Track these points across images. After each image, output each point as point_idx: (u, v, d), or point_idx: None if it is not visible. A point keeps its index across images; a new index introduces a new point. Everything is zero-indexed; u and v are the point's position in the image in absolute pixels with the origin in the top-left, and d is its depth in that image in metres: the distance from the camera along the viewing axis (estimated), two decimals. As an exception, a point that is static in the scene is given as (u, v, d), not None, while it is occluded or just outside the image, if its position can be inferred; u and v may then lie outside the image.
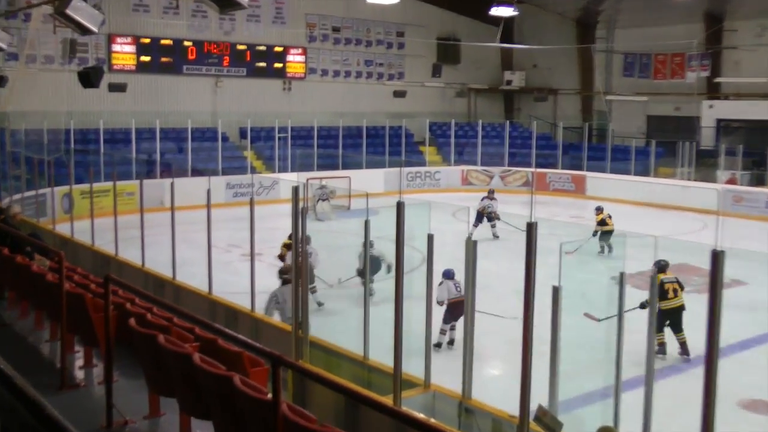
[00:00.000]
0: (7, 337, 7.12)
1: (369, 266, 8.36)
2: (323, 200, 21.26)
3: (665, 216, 22.61)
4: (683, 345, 10.26)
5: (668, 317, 10.21)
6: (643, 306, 8.75)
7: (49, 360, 6.54)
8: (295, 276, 8.01)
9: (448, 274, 10.54)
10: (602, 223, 17.26)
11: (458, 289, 10.34)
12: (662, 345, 10.19)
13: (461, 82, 33.40)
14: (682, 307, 10.26)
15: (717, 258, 4.64)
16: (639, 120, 31.32)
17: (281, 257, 13.43)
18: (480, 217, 19.04)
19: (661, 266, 10.15)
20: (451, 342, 10.62)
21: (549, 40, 30.63)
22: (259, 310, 9.71)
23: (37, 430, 2.21)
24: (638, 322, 6.61)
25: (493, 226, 18.91)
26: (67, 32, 18.13)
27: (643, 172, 27.18)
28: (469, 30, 33.11)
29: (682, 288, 10.38)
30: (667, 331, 10.37)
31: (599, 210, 17.76)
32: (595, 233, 17.00)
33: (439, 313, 8.85)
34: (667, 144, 28.09)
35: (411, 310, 6.94)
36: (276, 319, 10.03)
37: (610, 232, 17.08)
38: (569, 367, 7.46)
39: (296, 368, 4.91)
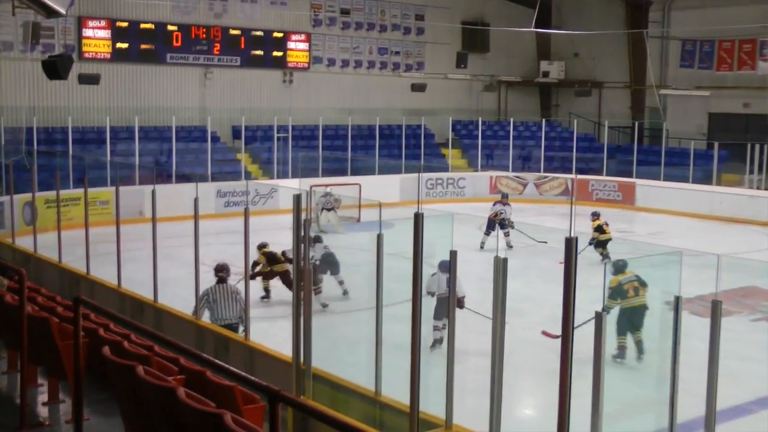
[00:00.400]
0: (-41, 368, 7.16)
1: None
2: (328, 210, 21.35)
3: (730, 230, 22.53)
4: (639, 344, 11.11)
5: (630, 317, 11.13)
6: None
7: (6, 395, 6.59)
8: (297, 297, 8.05)
9: (444, 266, 10.56)
10: (599, 229, 17.65)
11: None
12: (622, 348, 11.09)
13: (490, 73, 33.46)
14: (644, 306, 11.12)
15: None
16: (699, 118, 31.23)
17: (256, 264, 13.94)
18: (492, 224, 19.36)
19: (618, 267, 11.33)
20: (440, 341, 10.95)
21: (593, 25, 30.66)
22: (254, 337, 9.74)
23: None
24: (697, 354, 6.58)
25: (506, 234, 19.20)
26: (30, 14, 18.28)
27: (704, 179, 27.07)
28: (499, 12, 33.22)
29: (644, 285, 11.11)
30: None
31: (595, 216, 18.19)
32: (591, 241, 17.51)
33: (463, 343, 8.87)
34: (733, 146, 27.95)
35: (430, 337, 6.95)
36: (205, 320, 10.70)
37: (607, 241, 17.59)
38: (615, 407, 7.44)
39: (297, 405, 4.92)
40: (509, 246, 18.86)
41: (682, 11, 31.30)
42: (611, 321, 10.81)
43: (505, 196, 20.96)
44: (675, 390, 6.08)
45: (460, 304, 10.56)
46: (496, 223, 19.28)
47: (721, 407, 6.27)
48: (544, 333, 10.74)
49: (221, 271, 11.07)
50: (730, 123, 30.44)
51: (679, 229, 22.39)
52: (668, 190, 26.51)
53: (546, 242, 17.80)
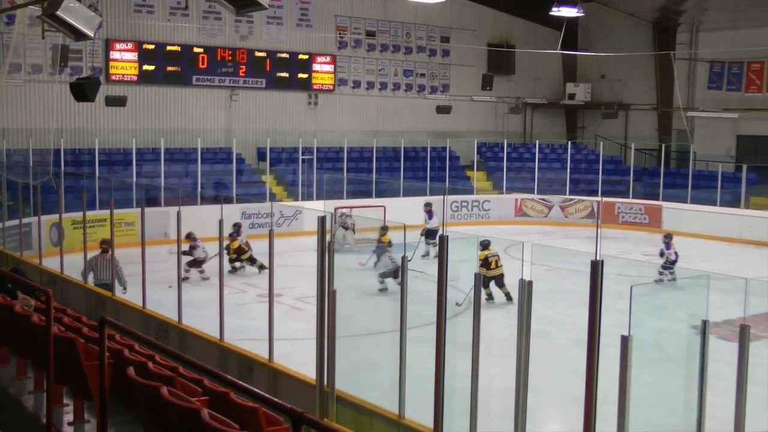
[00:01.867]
0: (-15, 388, 7.24)
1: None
2: (345, 228, 21.44)
3: (759, 254, 22.23)
4: (507, 295, 15.28)
5: (493, 280, 15.56)
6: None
7: (32, 414, 6.64)
8: (320, 321, 8.08)
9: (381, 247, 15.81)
10: (485, 263, 15.53)
11: (393, 260, 16.06)
12: (490, 295, 15.48)
13: (516, 95, 33.50)
14: (502, 275, 15.57)
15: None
16: (727, 141, 31.02)
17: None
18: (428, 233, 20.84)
19: (484, 244, 15.56)
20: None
21: (620, 46, 30.63)
22: (278, 359, 9.76)
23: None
24: (725, 379, 6.52)
25: (435, 245, 19.59)
26: (58, 37, 18.55)
27: (732, 202, 26.87)
28: (525, 35, 33.28)
29: (499, 258, 15.76)
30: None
31: (484, 246, 15.98)
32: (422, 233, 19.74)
33: (487, 366, 8.85)
34: (763, 169, 27.73)
35: (454, 361, 6.94)
36: (89, 282, 13.69)
37: (497, 277, 15.80)
38: (641, 432, 7.38)
39: (321, 428, 4.93)
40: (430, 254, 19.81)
41: (710, 33, 31.15)
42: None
43: (428, 204, 22.37)
44: (702, 415, 6.03)
45: (396, 275, 14.22)
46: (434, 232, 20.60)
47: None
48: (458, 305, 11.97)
49: (105, 244, 14.19)
50: (759, 145, 30.15)
51: (707, 253, 22.17)
52: (695, 213, 26.28)
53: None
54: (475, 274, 6.88)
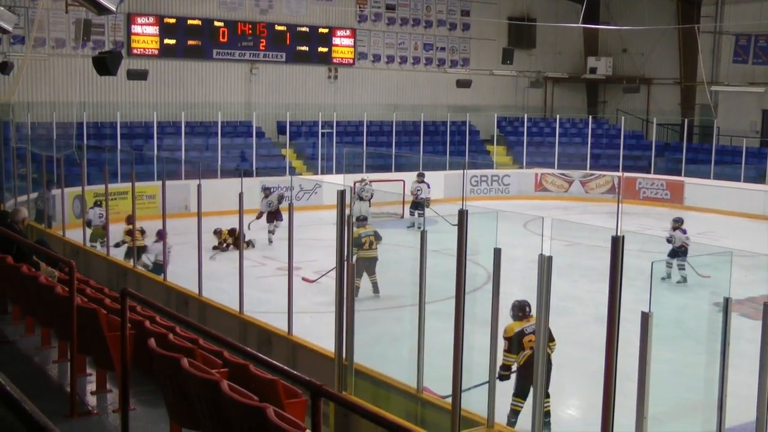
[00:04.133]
0: (11, 356, 7.34)
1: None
2: (361, 199, 21.46)
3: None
4: (375, 285, 14.08)
5: (365, 264, 13.84)
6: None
7: (57, 383, 6.73)
8: (339, 296, 8.08)
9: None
10: (356, 242, 14.63)
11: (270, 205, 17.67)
12: (357, 288, 12.71)
13: (536, 70, 33.23)
14: (375, 258, 14.12)
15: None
16: (752, 115, 30.54)
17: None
18: (414, 204, 20.60)
19: (359, 221, 14.14)
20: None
21: (642, 20, 30.19)
22: (297, 332, 9.80)
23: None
24: (747, 357, 6.48)
25: (420, 215, 19.77)
26: (81, 12, 18.62)
27: (757, 178, 26.57)
28: (546, 8, 32.93)
29: (379, 239, 14.19)
30: None
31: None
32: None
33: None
34: (790, 144, 27.38)
35: (473, 336, 6.93)
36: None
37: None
38: (660, 409, 7.36)
39: (339, 400, 4.97)
40: (415, 225, 19.65)
41: (736, 5, 30.51)
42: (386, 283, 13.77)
43: (421, 174, 22.02)
44: (724, 393, 5.98)
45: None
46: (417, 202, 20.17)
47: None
48: (304, 279, 12.20)
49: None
50: (786, 120, 29.72)
51: (730, 229, 21.99)
52: (719, 189, 26.06)
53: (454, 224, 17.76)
54: (495, 249, 6.85)
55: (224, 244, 18.28)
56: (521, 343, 8.64)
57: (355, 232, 13.12)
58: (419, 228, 18.32)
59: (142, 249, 14.87)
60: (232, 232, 18.20)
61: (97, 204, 17.30)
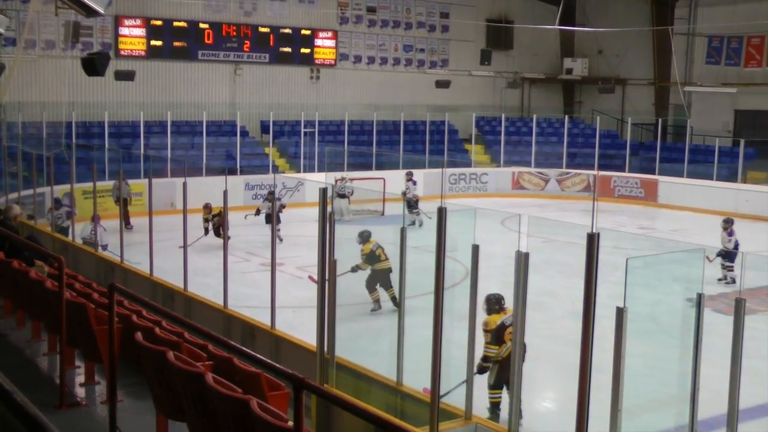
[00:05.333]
0: (2, 349, 7.34)
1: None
2: (341, 196, 21.44)
3: (756, 229, 22.22)
4: (394, 299, 12.42)
5: (381, 277, 13.13)
6: (353, 269, 12.54)
7: (46, 375, 6.72)
8: (320, 290, 8.11)
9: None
10: (371, 256, 13.31)
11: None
12: (377, 301, 13.18)
13: (514, 70, 33.35)
14: (390, 269, 12.89)
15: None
16: (725, 115, 30.75)
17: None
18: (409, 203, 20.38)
19: (365, 237, 13.33)
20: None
21: (617, 21, 30.38)
22: (280, 326, 9.81)
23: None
24: (719, 352, 6.53)
25: (415, 213, 19.71)
26: (70, 14, 18.50)
27: (729, 177, 26.71)
28: (523, 10, 33.04)
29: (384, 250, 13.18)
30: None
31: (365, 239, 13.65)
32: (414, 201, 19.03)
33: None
34: (760, 144, 27.51)
35: (452, 330, 6.97)
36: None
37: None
38: (634, 402, 7.42)
39: (321, 393, 4.98)
40: (416, 224, 19.27)
41: (710, 7, 30.53)
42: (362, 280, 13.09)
43: (409, 173, 22.14)
44: (696, 387, 6.02)
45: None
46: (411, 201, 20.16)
47: (744, 406, 6.21)
48: (311, 278, 11.88)
49: None
50: (757, 120, 29.78)
51: (703, 227, 22.11)
52: (691, 187, 26.24)
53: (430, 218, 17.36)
54: (473, 246, 6.89)
55: (208, 223, 17.98)
56: (502, 336, 8.54)
57: (366, 248, 13.12)
58: (420, 226, 18.41)
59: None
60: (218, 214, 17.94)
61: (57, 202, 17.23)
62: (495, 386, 8.63)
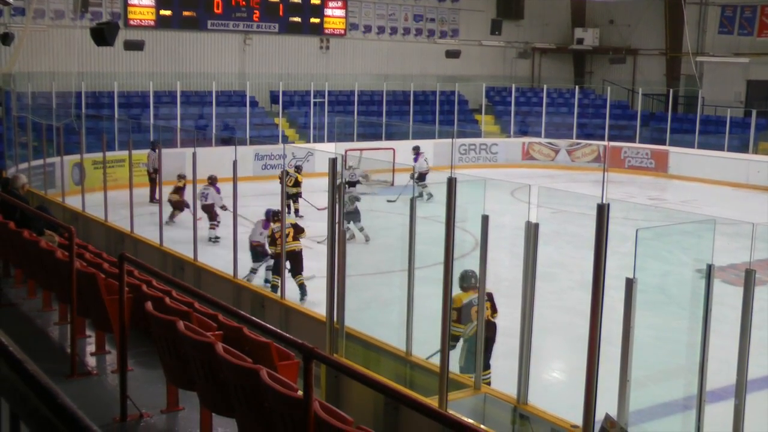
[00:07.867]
0: (13, 318, 7.37)
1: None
2: (350, 185, 20.98)
3: (766, 199, 22.11)
4: (302, 286, 11.99)
5: (288, 259, 11.64)
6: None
7: (58, 344, 6.76)
8: (330, 260, 8.10)
9: (268, 215, 12.33)
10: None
11: (261, 234, 12.61)
12: (276, 287, 11.14)
13: (524, 40, 33.06)
14: (301, 252, 12.13)
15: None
16: (737, 86, 30.43)
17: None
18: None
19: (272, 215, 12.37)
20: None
21: (629, -9, 30.02)
22: (290, 297, 9.83)
23: (48, 419, 2.31)
24: (729, 323, 6.51)
25: (422, 185, 19.39)
26: (80, -16, 18.47)
27: (741, 147, 26.51)
28: (535, -20, 32.69)
29: (301, 231, 12.31)
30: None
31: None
32: (412, 176, 17.98)
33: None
34: (773, 114, 27.30)
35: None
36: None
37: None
38: (643, 373, 7.41)
39: (330, 363, 4.99)
40: (424, 196, 18.82)
41: (723, -24, 30.21)
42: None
43: (416, 147, 21.69)
44: (705, 357, 6.01)
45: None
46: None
47: (753, 377, 6.20)
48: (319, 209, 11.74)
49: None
50: (769, 91, 29.58)
51: (713, 198, 22.03)
52: (702, 158, 26.07)
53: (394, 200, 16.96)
54: (483, 216, 6.85)
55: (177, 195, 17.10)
56: (469, 314, 8.05)
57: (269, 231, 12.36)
58: (428, 199, 18.29)
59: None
60: (177, 190, 17.09)
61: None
62: (466, 371, 7.73)
